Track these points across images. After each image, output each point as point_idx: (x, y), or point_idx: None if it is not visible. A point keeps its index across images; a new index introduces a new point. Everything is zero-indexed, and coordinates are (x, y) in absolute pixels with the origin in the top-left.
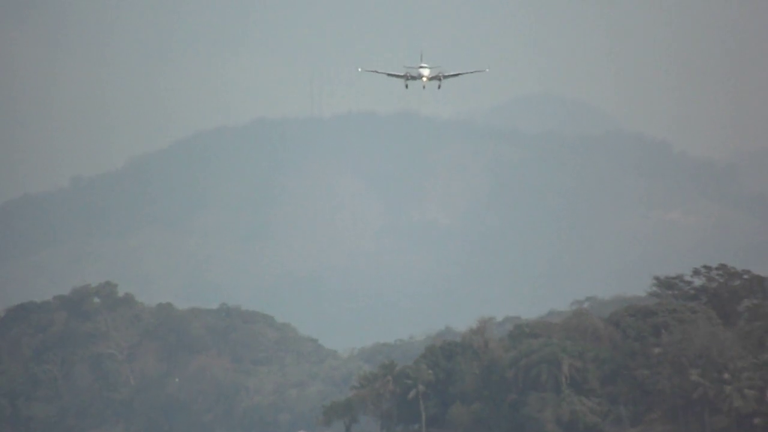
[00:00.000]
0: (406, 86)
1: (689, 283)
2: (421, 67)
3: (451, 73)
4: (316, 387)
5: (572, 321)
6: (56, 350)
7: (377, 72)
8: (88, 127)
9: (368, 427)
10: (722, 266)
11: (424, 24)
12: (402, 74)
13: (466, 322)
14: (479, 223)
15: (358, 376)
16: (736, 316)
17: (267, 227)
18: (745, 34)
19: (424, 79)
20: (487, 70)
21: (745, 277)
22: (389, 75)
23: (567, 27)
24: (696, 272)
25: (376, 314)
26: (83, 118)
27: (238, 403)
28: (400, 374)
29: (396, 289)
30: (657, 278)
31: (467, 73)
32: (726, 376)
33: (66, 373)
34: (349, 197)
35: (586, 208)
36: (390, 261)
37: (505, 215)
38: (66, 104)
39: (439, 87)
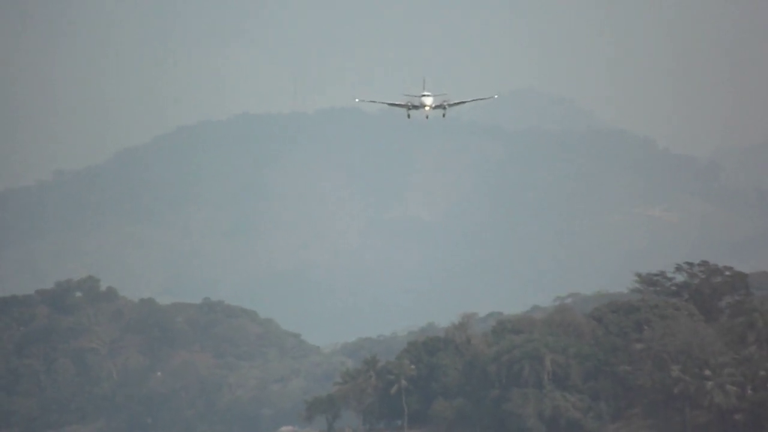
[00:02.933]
0: (408, 116)
1: (671, 279)
2: (424, 95)
3: (457, 101)
4: (298, 382)
5: (555, 317)
6: (38, 344)
7: (375, 102)
8: (71, 121)
9: (351, 422)
10: (704, 263)
11: (409, 20)
12: (403, 103)
13: (448, 318)
14: (462, 220)
15: (340, 372)
16: (718, 313)
17: (250, 222)
18: (728, 33)
19: (427, 108)
20: (496, 96)
21: (727, 273)
22: (390, 105)
23: (551, 24)
24: (678, 269)
25: (358, 310)
26: (67, 112)
27: (221, 398)
28: (383, 370)
29: (379, 285)
30: (639, 275)
31: (474, 100)
32: (707, 372)
33: (48, 368)
34: (332, 193)
35: (569, 204)
36: (373, 257)
37: (488, 211)
38: (50, 98)
39: (443, 116)
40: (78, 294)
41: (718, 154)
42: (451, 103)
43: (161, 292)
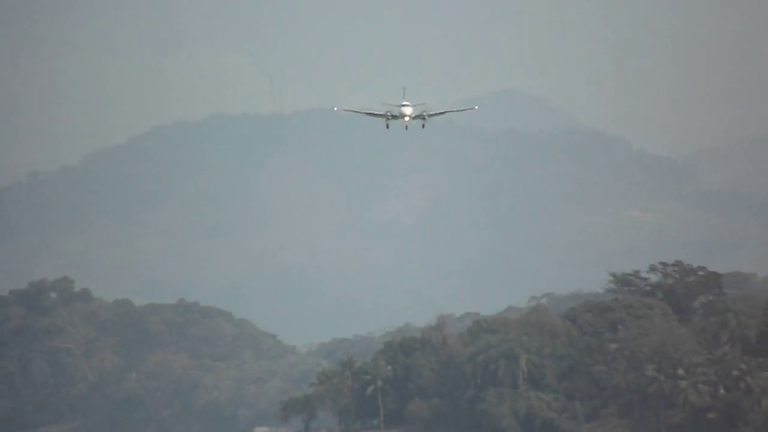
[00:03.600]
0: (387, 126)
1: (645, 279)
2: (403, 105)
3: (437, 111)
4: (274, 383)
5: (530, 317)
6: (13, 345)
7: (354, 111)
8: (45, 121)
9: (326, 422)
10: (678, 263)
11: (388, 20)
12: (382, 113)
13: (424, 318)
14: (440, 220)
15: (316, 373)
16: (692, 312)
17: (225, 223)
18: (704, 34)
19: (407, 118)
20: (476, 107)
21: (701, 273)
22: (368, 114)
23: (530, 26)
24: (652, 268)
25: (335, 310)
26: (41, 112)
27: (197, 399)
28: (359, 370)
29: (356, 286)
30: (614, 275)
31: (455, 111)
32: (681, 371)
33: (23, 369)
34: (309, 194)
35: (545, 204)
36: (350, 257)
37: (465, 212)
38: (23, 98)
39: (423, 126)
40: (52, 295)
41: (694, 155)
42: (431, 113)
43: (136, 293)
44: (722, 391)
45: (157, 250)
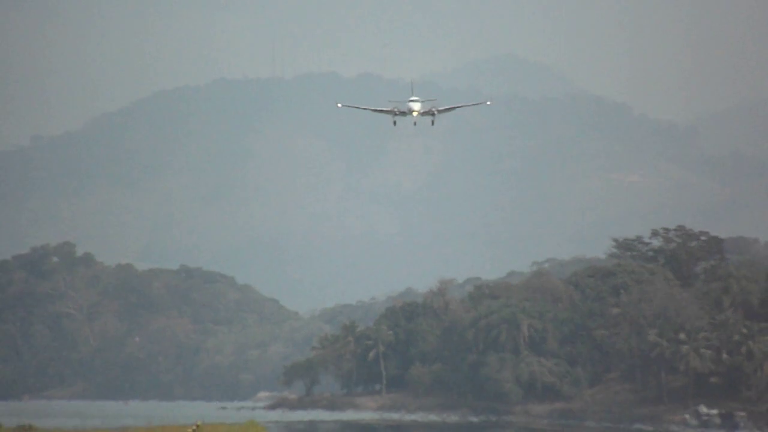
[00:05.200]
0: (395, 123)
1: (648, 244)
2: (411, 100)
3: (446, 107)
4: (277, 348)
5: (532, 282)
6: (15, 309)
7: (359, 108)
8: (49, 86)
9: (329, 387)
10: (680, 228)
11: None
12: (389, 109)
13: (427, 284)
14: (440, 185)
15: (318, 337)
16: (694, 277)
17: (228, 188)
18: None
19: (415, 114)
20: (489, 102)
21: (703, 238)
22: (374, 111)
23: None
24: (654, 234)
25: (337, 276)
26: (44, 77)
27: (199, 363)
28: (361, 335)
29: (357, 251)
30: (616, 240)
31: (465, 105)
32: (683, 336)
33: (25, 333)
34: (310, 159)
35: (547, 170)
36: (351, 223)
37: (466, 177)
38: (26, 63)
39: (432, 123)
40: (54, 259)
41: (694, 120)
42: (441, 109)
43: (138, 258)
44: (724, 355)
45: (159, 215)
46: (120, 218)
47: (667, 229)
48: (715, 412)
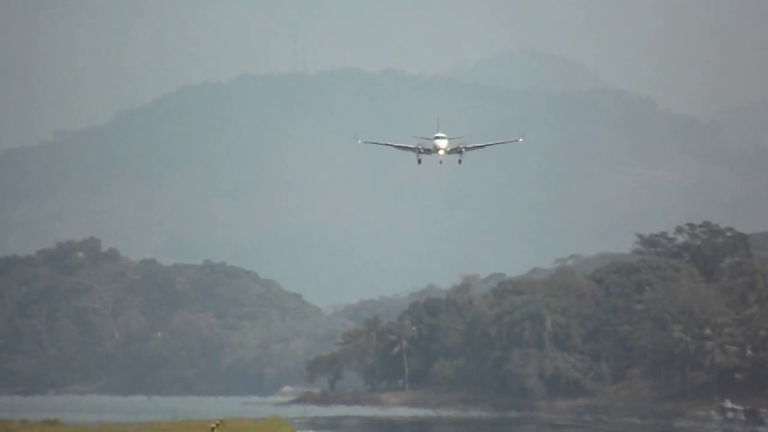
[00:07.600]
0: (419, 161)
1: (672, 240)
2: (437, 137)
3: (475, 145)
4: (300, 342)
5: (556, 278)
6: (40, 304)
7: (381, 144)
8: (73, 81)
9: (352, 382)
10: (706, 224)
11: None
12: (413, 147)
13: (450, 280)
14: (463, 180)
15: (342, 332)
16: (719, 273)
17: (251, 184)
18: None
19: (441, 152)
20: (521, 140)
21: (728, 234)
22: (396, 147)
23: None
24: (679, 230)
25: (359, 271)
26: (69, 72)
27: (222, 358)
28: (384, 330)
29: (380, 247)
30: (640, 236)
31: (496, 144)
32: (708, 332)
33: (50, 327)
34: (332, 154)
35: (570, 165)
36: (374, 218)
37: (489, 173)
38: (51, 58)
39: (459, 161)
40: (80, 254)
41: (718, 115)
42: (469, 146)
43: (162, 253)
44: (749, 351)
45: (183, 210)
46: (144, 213)
47: (692, 225)
48: (739, 408)
